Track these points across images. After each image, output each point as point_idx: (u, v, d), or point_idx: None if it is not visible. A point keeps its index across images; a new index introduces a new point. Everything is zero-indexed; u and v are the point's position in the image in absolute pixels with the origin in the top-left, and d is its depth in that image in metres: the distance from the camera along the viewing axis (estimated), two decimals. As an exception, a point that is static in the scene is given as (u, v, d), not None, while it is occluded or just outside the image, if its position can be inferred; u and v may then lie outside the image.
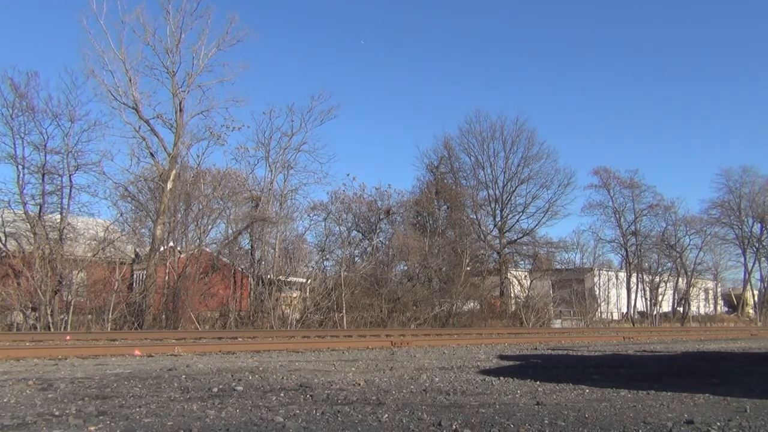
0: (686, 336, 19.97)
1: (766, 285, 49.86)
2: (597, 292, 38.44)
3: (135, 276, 22.06)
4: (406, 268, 28.77)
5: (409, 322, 24.40)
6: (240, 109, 50.04)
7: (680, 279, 43.84)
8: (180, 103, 22.41)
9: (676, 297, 44.87)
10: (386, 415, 4.38)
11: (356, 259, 29.01)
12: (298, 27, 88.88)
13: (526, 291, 33.00)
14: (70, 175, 20.24)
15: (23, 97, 19.46)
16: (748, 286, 51.36)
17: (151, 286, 19.95)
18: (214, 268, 23.05)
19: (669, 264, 43.80)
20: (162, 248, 21.61)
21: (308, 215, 28.29)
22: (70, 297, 18.34)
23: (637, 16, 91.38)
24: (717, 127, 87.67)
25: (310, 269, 26.12)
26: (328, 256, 28.32)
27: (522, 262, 40.06)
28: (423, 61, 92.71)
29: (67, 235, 20.09)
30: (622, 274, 43.92)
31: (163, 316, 20.02)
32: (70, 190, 20.27)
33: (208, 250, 23.61)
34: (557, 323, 30.54)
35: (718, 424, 4.15)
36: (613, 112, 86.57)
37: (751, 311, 49.28)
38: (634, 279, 42.23)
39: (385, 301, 24.56)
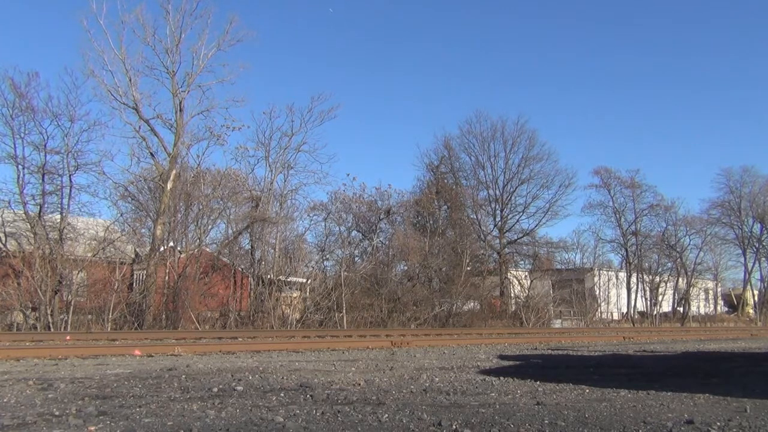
0: (686, 336, 19.97)
1: (766, 285, 49.82)
2: (597, 292, 38.41)
3: (135, 276, 22.05)
4: (406, 268, 28.76)
5: (409, 322, 24.39)
6: (240, 109, 50.17)
7: (680, 279, 43.83)
8: (180, 103, 22.43)
9: (676, 297, 44.85)
10: (386, 415, 4.38)
11: (356, 259, 29.03)
12: (298, 27, 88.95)
13: (526, 291, 32.98)
14: (70, 175, 20.27)
15: (23, 97, 19.48)
16: (748, 286, 51.33)
17: (151, 286, 19.95)
18: (214, 268, 23.06)
19: (669, 264, 43.88)
20: (162, 248, 21.61)
21: (308, 215, 28.36)
22: (70, 297, 18.35)
23: (637, 16, 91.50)
24: (717, 127, 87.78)
25: (310, 269, 26.12)
26: (328, 256, 28.37)
27: (522, 262, 40.16)
28: (423, 61, 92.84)
29: (67, 235, 20.10)
30: (622, 274, 43.89)
31: (163, 316, 20.03)
32: (70, 190, 20.29)
33: (208, 250, 23.62)
34: (557, 323, 30.53)
35: (718, 424, 4.15)
36: (614, 112, 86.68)
37: (751, 311, 49.24)
38: (634, 279, 42.20)
39: (385, 301, 24.55)
